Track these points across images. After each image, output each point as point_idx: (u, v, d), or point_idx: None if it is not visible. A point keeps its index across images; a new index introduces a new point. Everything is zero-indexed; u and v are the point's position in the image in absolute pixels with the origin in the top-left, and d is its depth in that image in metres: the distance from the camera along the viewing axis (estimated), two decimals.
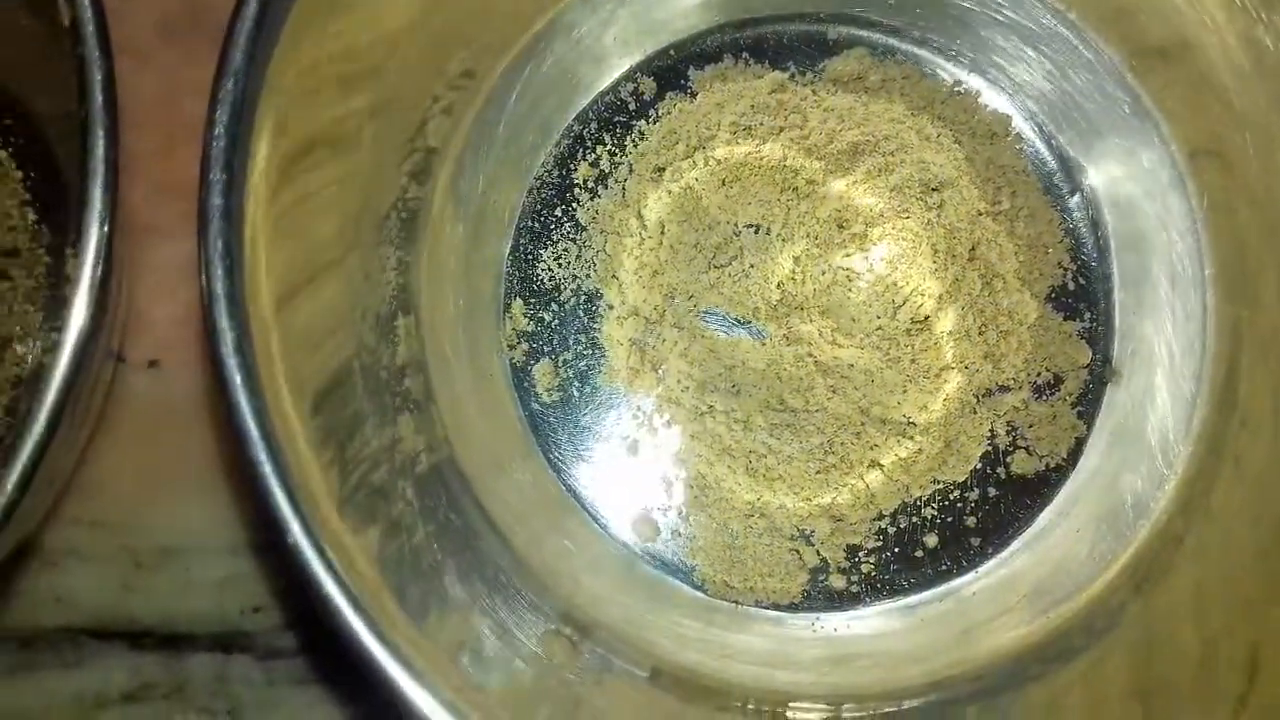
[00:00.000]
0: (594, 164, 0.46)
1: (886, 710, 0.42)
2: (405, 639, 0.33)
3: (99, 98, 0.31)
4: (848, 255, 0.45)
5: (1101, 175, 0.46)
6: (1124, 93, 0.45)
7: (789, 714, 0.42)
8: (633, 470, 0.44)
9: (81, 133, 0.31)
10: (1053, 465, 0.45)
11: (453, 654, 0.37)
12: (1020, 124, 0.47)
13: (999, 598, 0.43)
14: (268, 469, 0.29)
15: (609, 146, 0.46)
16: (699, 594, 0.44)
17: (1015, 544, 0.44)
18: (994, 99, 0.47)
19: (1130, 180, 0.45)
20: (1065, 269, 0.46)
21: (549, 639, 0.41)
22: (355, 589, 0.31)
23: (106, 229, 0.32)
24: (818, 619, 0.44)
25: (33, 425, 0.31)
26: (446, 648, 0.38)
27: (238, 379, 0.29)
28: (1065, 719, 0.40)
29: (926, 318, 0.45)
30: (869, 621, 0.44)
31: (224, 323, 0.29)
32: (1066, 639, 0.42)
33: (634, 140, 0.46)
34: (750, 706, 0.42)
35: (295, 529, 0.29)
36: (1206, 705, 0.38)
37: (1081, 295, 0.46)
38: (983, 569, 0.44)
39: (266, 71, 0.33)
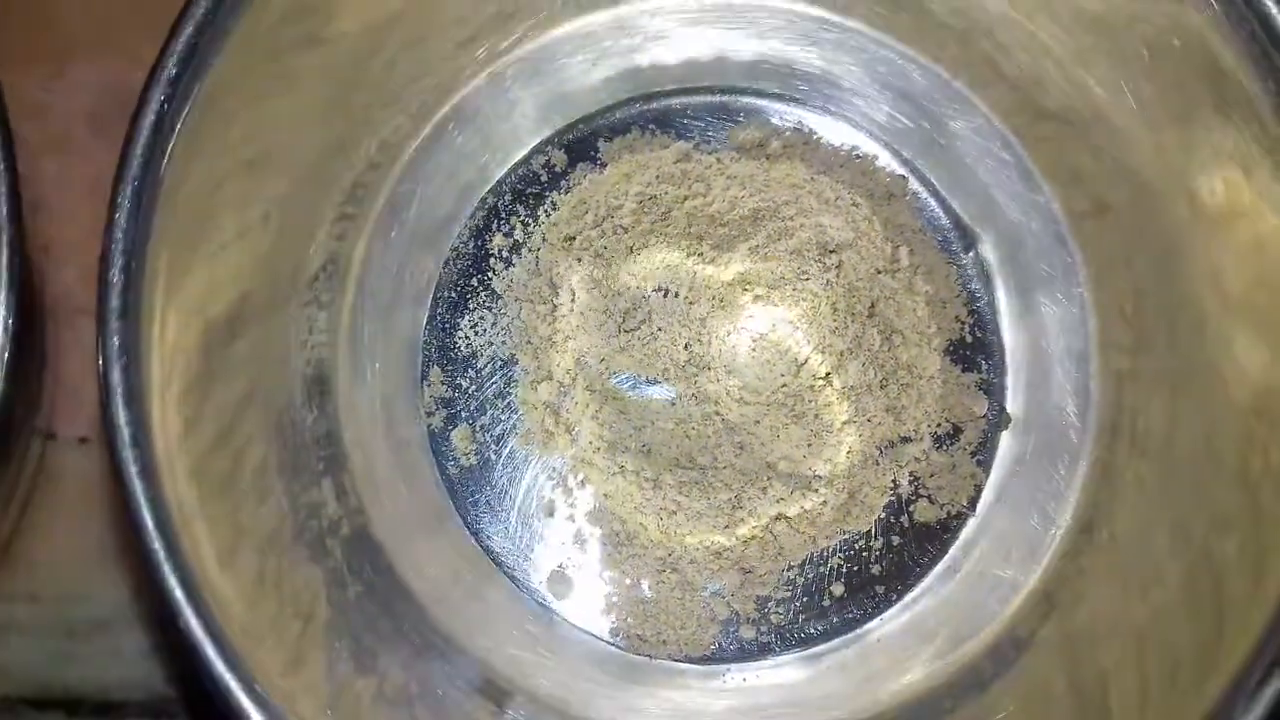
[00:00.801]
0: (508, 234, 0.48)
1: None
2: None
3: (3, 209, 0.33)
4: (751, 317, 0.47)
5: (992, 233, 0.48)
6: (1010, 155, 0.47)
7: None
8: (548, 530, 0.46)
9: None
10: (953, 512, 0.46)
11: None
12: (916, 185, 0.49)
13: (903, 641, 0.45)
14: (161, 559, 0.31)
15: (522, 217, 0.48)
16: (614, 649, 0.45)
17: (918, 589, 0.46)
18: (890, 163, 0.49)
19: (1019, 238, 0.47)
20: (962, 323, 0.48)
21: (474, 707, 0.43)
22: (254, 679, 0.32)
23: (13, 321, 0.33)
24: (728, 670, 0.45)
25: None
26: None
27: (133, 472, 0.31)
28: None
29: (828, 374, 0.47)
30: (778, 671, 0.45)
31: (120, 417, 0.31)
32: (975, 673, 0.44)
33: (546, 211, 0.48)
34: None
35: (191, 622, 0.31)
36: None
37: (978, 347, 0.48)
38: (887, 614, 0.46)
39: (165, 173, 0.35)
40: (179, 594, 0.31)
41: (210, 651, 0.31)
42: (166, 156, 0.35)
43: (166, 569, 0.31)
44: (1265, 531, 0.37)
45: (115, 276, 0.32)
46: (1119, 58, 0.42)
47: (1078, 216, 0.46)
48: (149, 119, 0.34)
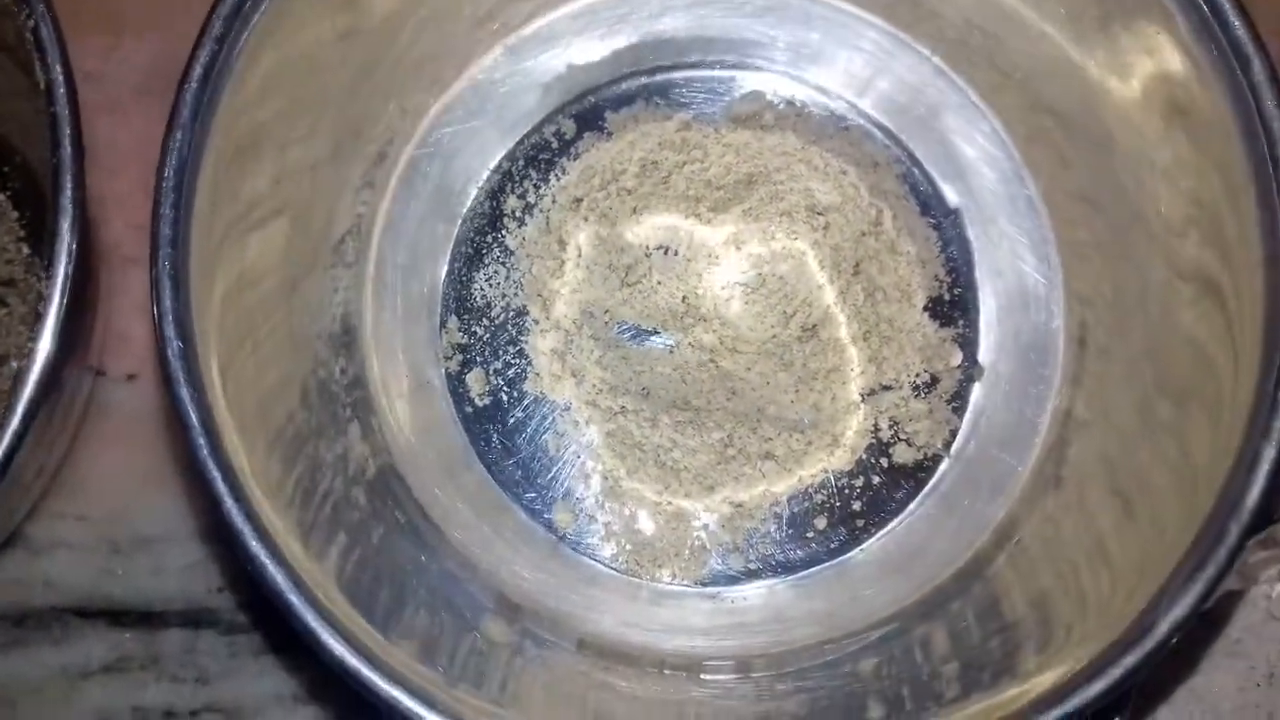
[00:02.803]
0: (520, 196, 0.52)
1: (788, 670, 0.47)
2: (343, 614, 0.39)
3: (68, 149, 0.37)
4: (744, 273, 0.51)
5: (966, 199, 0.52)
6: (986, 125, 0.51)
7: (704, 675, 0.47)
8: (555, 465, 0.50)
9: (53, 179, 0.37)
10: (930, 455, 0.50)
11: (402, 635, 0.43)
12: (898, 154, 0.52)
13: (879, 568, 0.49)
14: (205, 453, 0.35)
15: (534, 180, 0.52)
16: (614, 573, 0.49)
17: (893, 523, 0.49)
18: (875, 133, 0.52)
19: (992, 203, 0.51)
20: (941, 281, 0.51)
21: (488, 620, 0.47)
22: (297, 573, 0.36)
23: (71, 266, 0.37)
24: (720, 592, 0.49)
25: (3, 433, 0.37)
26: (397, 630, 0.43)
27: (181, 378, 0.35)
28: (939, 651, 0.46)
29: (815, 326, 0.51)
30: (764, 593, 0.49)
31: (170, 331, 0.35)
32: (941, 594, 0.48)
33: (556, 175, 0.52)
34: (667, 671, 0.47)
35: (230, 507, 0.35)
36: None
37: (955, 304, 0.51)
38: (865, 544, 0.49)
39: (211, 124, 0.39)
40: (224, 490, 0.35)
41: (252, 540, 0.35)
42: (214, 105, 0.39)
43: (213, 469, 0.35)
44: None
45: (167, 209, 0.36)
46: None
47: (1048, 185, 0.50)
48: (198, 70, 0.38)
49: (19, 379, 0.37)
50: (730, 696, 0.46)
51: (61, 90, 0.37)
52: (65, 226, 0.37)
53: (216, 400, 0.37)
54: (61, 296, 0.37)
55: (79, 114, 0.38)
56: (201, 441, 0.35)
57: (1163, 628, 0.36)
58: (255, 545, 0.35)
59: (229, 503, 0.35)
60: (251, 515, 0.35)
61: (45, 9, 0.38)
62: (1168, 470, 0.42)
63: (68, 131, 0.37)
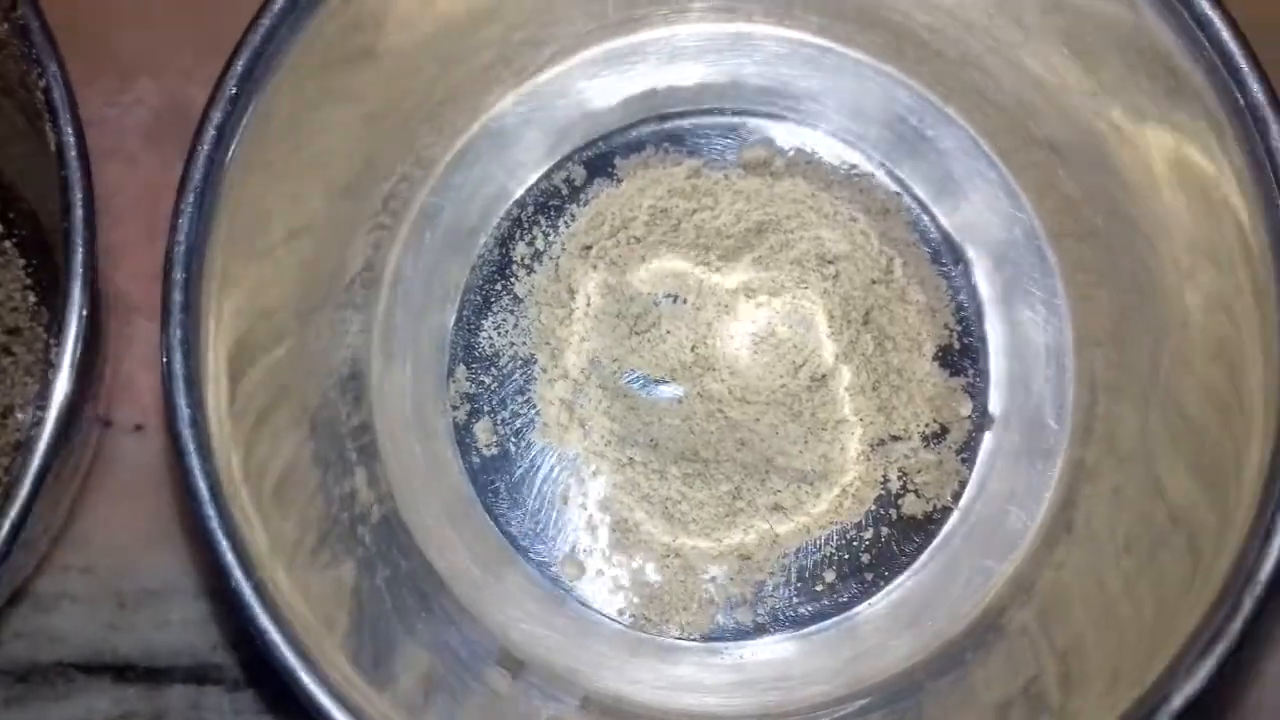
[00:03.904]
0: (530, 243, 0.52)
1: None
2: (342, 678, 0.38)
3: (79, 214, 0.37)
4: (754, 322, 0.51)
5: (978, 248, 0.51)
6: (995, 175, 0.51)
7: None
8: (562, 516, 0.50)
9: (65, 241, 0.37)
10: (939, 506, 0.50)
11: (400, 690, 0.43)
12: (909, 202, 0.52)
13: (888, 623, 0.49)
14: (214, 524, 0.35)
15: (543, 227, 0.52)
16: (621, 627, 0.49)
17: (903, 576, 0.49)
18: (885, 180, 0.52)
19: (1002, 252, 0.51)
20: (951, 330, 0.51)
21: (491, 675, 0.46)
22: (295, 633, 0.36)
23: (83, 322, 0.37)
24: (726, 648, 0.49)
25: (19, 488, 0.37)
26: (393, 684, 0.43)
27: (191, 449, 0.35)
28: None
29: (824, 376, 0.50)
30: (771, 649, 0.49)
31: (180, 400, 0.35)
32: (953, 651, 0.47)
33: (565, 222, 0.52)
34: None
35: (238, 577, 0.35)
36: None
37: (965, 353, 0.51)
38: (874, 599, 0.49)
39: (222, 185, 0.39)
40: (230, 556, 0.35)
41: (254, 604, 0.35)
42: (225, 167, 0.39)
43: (218, 531, 0.34)
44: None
45: (178, 275, 0.36)
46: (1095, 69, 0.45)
47: (1059, 236, 0.50)
48: (210, 133, 0.38)
49: (28, 445, 0.37)
50: None
51: (73, 154, 0.37)
52: (76, 290, 0.37)
53: (227, 466, 0.37)
54: (71, 363, 0.37)
55: (90, 177, 0.38)
56: (210, 513, 0.35)
57: (1175, 702, 0.36)
58: (265, 621, 0.35)
59: (238, 576, 0.35)
60: (259, 587, 0.35)
61: (58, 70, 0.38)
62: (1179, 534, 0.42)
63: (79, 196, 0.37)
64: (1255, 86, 0.39)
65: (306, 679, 0.36)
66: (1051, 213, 0.50)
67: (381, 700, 0.40)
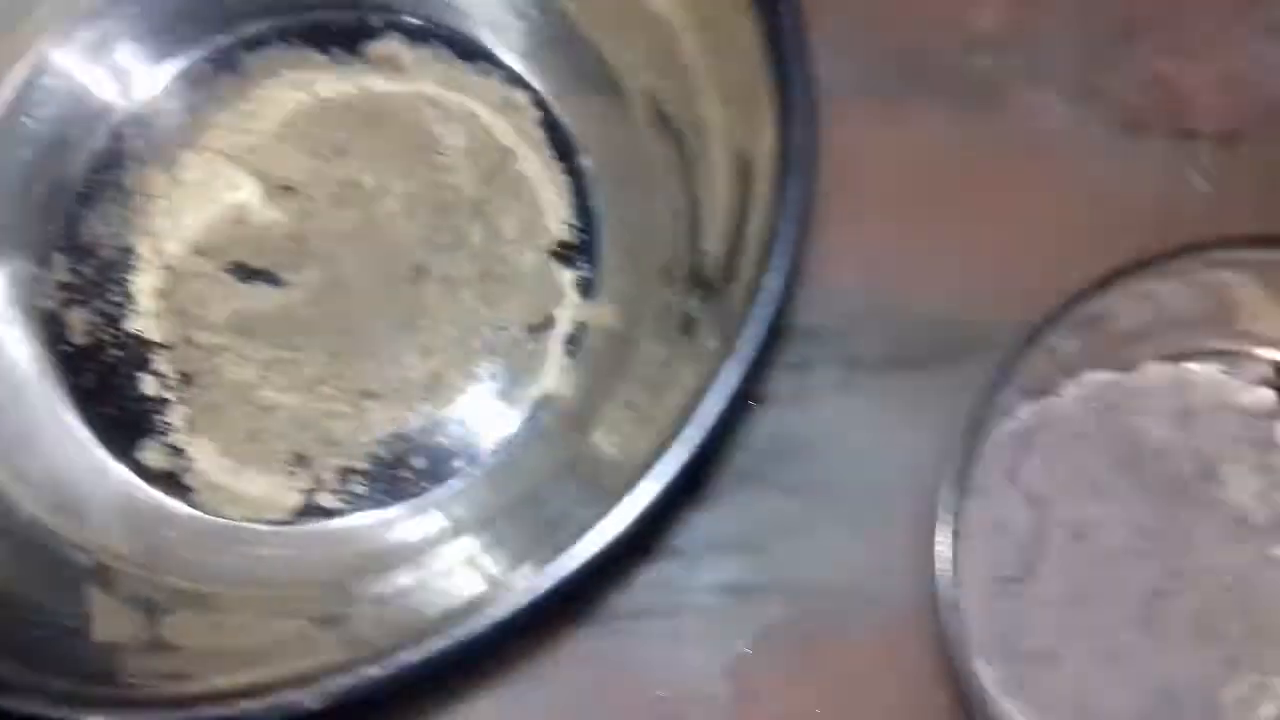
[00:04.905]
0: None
1: None
2: None
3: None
4: (358, 211, 0.50)
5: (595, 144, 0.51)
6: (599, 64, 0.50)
7: None
8: (146, 405, 0.48)
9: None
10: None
11: None
12: (536, 96, 0.51)
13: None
14: None
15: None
16: (197, 514, 0.48)
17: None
18: (514, 74, 0.51)
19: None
20: (567, 224, 0.50)
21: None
22: None
23: None
24: (307, 526, 0.47)
25: None
26: None
27: None
28: None
29: (428, 267, 0.49)
30: (353, 531, 0.47)
31: None
32: None
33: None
34: None
35: None
36: None
37: (579, 248, 0.50)
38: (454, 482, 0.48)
39: None
40: None
41: None
42: None
43: None
44: None
45: None
46: None
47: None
48: None
49: None
50: None
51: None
52: None
53: None
54: None
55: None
56: None
57: None
58: None
59: None
60: None
61: None
62: None
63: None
64: None
65: None
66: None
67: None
